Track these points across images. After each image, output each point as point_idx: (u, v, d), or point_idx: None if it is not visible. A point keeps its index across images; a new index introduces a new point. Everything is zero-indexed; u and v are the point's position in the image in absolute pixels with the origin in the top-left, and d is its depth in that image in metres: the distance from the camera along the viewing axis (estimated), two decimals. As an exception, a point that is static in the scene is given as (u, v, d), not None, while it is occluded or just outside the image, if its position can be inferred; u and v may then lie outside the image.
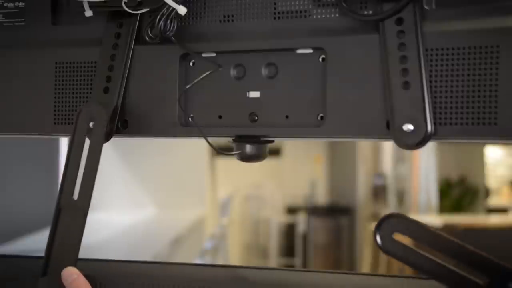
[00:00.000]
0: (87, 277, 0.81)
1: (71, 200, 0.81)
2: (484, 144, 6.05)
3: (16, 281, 0.87)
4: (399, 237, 0.71)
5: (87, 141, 0.82)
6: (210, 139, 0.81)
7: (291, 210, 6.42)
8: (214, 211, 4.89)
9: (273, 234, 6.37)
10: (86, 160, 0.81)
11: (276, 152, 6.16)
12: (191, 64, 0.83)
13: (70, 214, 0.81)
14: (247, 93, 0.80)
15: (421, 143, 0.71)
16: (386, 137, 0.73)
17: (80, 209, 0.80)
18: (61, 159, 2.34)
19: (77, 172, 0.82)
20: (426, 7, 0.72)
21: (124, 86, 0.83)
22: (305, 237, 6.08)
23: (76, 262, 0.80)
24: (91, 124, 0.81)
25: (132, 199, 3.55)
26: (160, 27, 0.78)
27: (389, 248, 0.70)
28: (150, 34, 0.80)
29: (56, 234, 0.81)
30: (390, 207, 5.56)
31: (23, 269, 0.87)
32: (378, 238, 0.70)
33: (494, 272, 0.66)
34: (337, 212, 6.00)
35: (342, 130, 0.75)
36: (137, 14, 0.81)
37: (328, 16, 0.77)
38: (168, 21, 0.79)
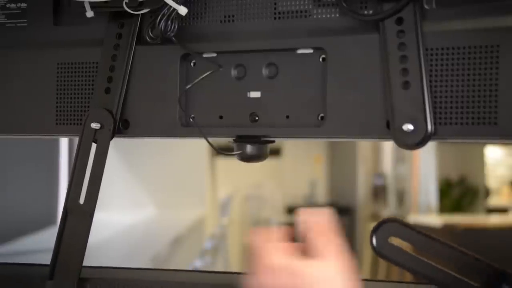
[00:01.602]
0: (92, 281, 0.82)
1: (78, 204, 0.82)
2: (484, 144, 6.05)
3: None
4: (398, 241, 0.71)
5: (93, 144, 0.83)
6: (210, 139, 0.81)
7: (291, 210, 6.42)
8: (214, 211, 4.89)
9: (273, 234, 6.35)
10: (92, 164, 0.82)
11: (276, 152, 6.16)
12: (192, 64, 0.83)
13: (76, 218, 0.82)
14: (248, 93, 0.80)
15: (421, 143, 0.71)
16: (386, 137, 0.73)
17: (87, 213, 0.82)
18: (61, 159, 2.34)
19: (84, 176, 0.83)
20: (426, 6, 0.72)
21: (125, 87, 0.83)
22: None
23: (82, 265, 0.81)
24: (97, 126, 0.82)
25: (132, 199, 3.55)
26: (161, 27, 0.78)
27: (384, 252, 0.71)
28: (151, 34, 0.80)
29: (63, 239, 0.82)
30: (390, 207, 5.56)
31: (30, 276, 0.88)
32: (374, 241, 0.71)
33: (489, 274, 0.67)
34: (337, 212, 6.00)
35: (342, 130, 0.75)
36: (138, 14, 0.82)
37: (328, 16, 0.77)
38: (169, 22, 0.79)
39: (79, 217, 0.82)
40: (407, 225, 0.70)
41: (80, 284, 0.81)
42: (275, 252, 0.62)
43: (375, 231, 0.71)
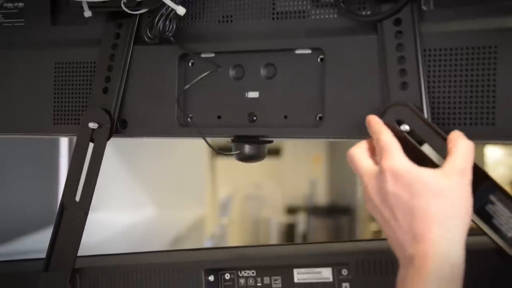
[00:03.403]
0: (84, 270, 0.85)
1: (74, 201, 0.84)
2: (484, 144, 6.04)
3: (21, 282, 0.90)
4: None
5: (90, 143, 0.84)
6: (209, 139, 0.81)
7: (291, 210, 6.41)
8: (214, 211, 4.89)
9: (273, 234, 6.36)
10: (89, 163, 0.83)
11: (276, 152, 6.15)
12: (190, 64, 0.83)
13: (72, 215, 0.84)
14: (246, 93, 0.81)
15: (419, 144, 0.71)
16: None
17: (82, 210, 0.83)
18: (61, 159, 2.34)
19: (80, 174, 0.84)
20: (424, 7, 0.72)
21: (123, 86, 0.83)
22: (305, 237, 6.07)
23: (76, 259, 0.83)
24: (95, 126, 0.83)
25: (132, 199, 3.54)
26: (159, 27, 0.78)
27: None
28: (149, 34, 0.80)
29: (58, 234, 0.84)
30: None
31: (25, 271, 0.90)
32: None
33: (482, 181, 0.67)
34: (337, 212, 5.99)
35: (341, 130, 0.76)
36: (136, 14, 0.82)
37: (326, 16, 0.77)
38: (167, 22, 0.79)
39: (74, 213, 0.84)
40: (416, 112, 0.69)
41: (73, 274, 0.84)
42: (401, 155, 0.65)
43: (383, 114, 0.70)
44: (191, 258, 0.87)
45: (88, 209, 0.83)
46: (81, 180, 0.85)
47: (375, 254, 0.80)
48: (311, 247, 0.87)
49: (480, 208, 0.67)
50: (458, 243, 0.62)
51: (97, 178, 0.83)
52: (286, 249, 0.87)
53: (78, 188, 0.84)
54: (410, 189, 0.63)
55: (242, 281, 0.85)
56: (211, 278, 0.85)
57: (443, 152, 0.66)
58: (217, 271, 0.86)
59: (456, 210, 0.63)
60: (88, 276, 0.86)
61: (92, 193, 0.83)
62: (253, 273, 0.85)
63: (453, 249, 0.62)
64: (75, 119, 0.86)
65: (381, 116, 0.71)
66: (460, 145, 0.65)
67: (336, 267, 0.82)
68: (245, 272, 0.85)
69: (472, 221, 0.68)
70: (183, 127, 0.83)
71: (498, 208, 0.67)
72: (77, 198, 0.84)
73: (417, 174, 0.64)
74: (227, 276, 0.86)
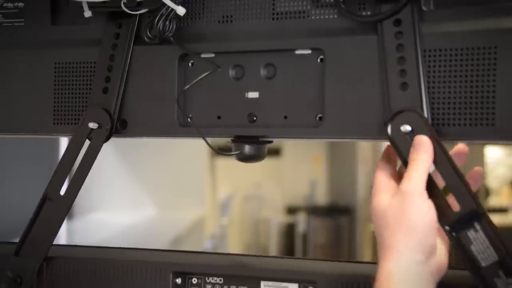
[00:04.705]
0: (56, 259, 0.85)
1: (58, 194, 0.84)
2: (484, 144, 6.02)
3: None
4: None
5: (87, 141, 0.84)
6: (209, 139, 0.81)
7: (291, 210, 6.41)
8: (214, 211, 4.89)
9: (273, 234, 6.36)
10: (81, 160, 0.83)
11: (276, 152, 6.15)
12: (190, 64, 0.83)
13: (53, 206, 0.85)
14: (246, 93, 0.81)
15: (419, 144, 0.71)
16: (384, 137, 0.73)
17: (64, 204, 0.84)
18: (61, 159, 2.33)
19: (69, 169, 0.84)
20: (424, 8, 0.72)
21: (123, 86, 0.83)
22: (305, 237, 6.07)
23: (49, 249, 0.84)
24: (95, 126, 0.83)
25: (132, 199, 3.54)
26: (159, 27, 0.79)
27: (396, 141, 0.71)
28: (149, 34, 0.80)
29: (35, 222, 0.85)
30: (390, 207, 5.52)
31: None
32: (389, 130, 0.71)
33: (470, 207, 0.68)
34: (337, 212, 5.98)
35: (340, 130, 0.76)
36: (136, 14, 0.82)
37: (326, 17, 0.77)
38: (167, 22, 0.79)
39: (56, 206, 0.84)
40: (425, 120, 0.70)
41: (44, 262, 0.85)
42: (381, 195, 0.71)
43: (391, 119, 0.71)
44: (160, 259, 0.88)
45: (71, 206, 0.84)
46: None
47: (344, 277, 0.81)
48: (281, 261, 0.88)
49: (462, 232, 0.68)
50: (411, 254, 0.65)
51: (86, 177, 0.83)
52: (256, 261, 0.87)
53: (65, 183, 0.85)
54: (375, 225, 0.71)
55: (209, 287, 0.86)
56: (179, 280, 0.86)
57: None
58: (185, 275, 0.86)
59: (396, 226, 0.66)
60: (56, 266, 0.87)
61: (78, 191, 0.84)
62: (220, 280, 0.85)
63: (406, 262, 0.65)
64: (75, 119, 0.86)
65: (388, 121, 0.71)
66: (412, 165, 0.68)
67: (302, 284, 0.83)
68: (212, 279, 0.86)
69: (453, 246, 0.69)
70: (183, 127, 0.83)
71: (479, 236, 0.67)
72: (62, 192, 0.85)
73: (373, 207, 0.71)
74: (195, 280, 0.86)
